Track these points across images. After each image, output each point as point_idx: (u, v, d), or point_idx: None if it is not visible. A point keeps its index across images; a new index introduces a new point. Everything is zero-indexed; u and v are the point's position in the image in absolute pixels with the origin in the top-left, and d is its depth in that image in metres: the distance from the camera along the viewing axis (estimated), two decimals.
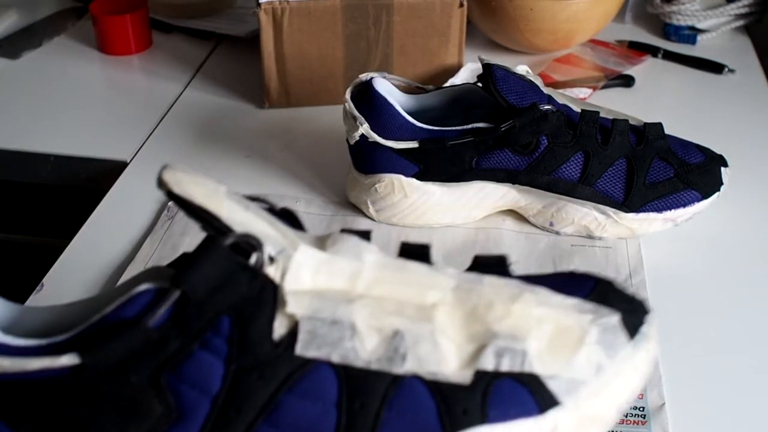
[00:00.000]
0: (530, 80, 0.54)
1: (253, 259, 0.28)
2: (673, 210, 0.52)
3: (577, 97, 0.71)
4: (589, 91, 0.73)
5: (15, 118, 0.70)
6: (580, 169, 0.52)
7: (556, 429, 0.30)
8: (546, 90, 0.55)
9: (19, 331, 0.31)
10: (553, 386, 0.30)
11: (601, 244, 0.54)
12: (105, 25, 0.79)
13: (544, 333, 0.31)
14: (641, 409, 0.42)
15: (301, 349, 0.28)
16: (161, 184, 0.29)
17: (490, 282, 0.32)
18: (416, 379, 0.29)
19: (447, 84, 0.67)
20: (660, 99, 0.73)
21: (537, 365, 0.30)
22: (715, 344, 0.46)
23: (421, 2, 0.67)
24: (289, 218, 0.33)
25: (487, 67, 0.54)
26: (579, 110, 0.54)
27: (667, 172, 0.53)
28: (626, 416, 0.41)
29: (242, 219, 0.29)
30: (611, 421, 0.31)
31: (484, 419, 0.29)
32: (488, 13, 0.77)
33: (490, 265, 0.34)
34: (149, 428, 0.27)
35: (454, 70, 0.71)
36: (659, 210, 0.52)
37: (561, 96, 0.56)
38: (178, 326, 0.27)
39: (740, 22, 0.83)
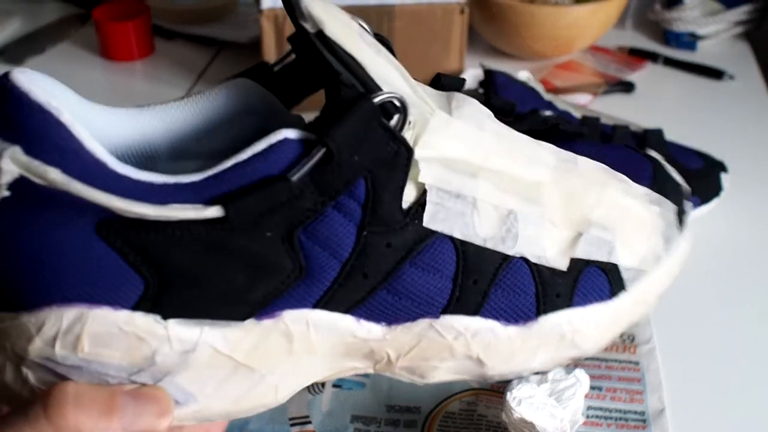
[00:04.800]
0: (531, 87, 0.54)
1: (394, 120, 0.27)
2: None
3: (578, 103, 0.71)
4: (590, 97, 0.73)
5: None
6: None
7: (618, 311, 0.33)
8: (547, 96, 0.56)
9: (117, 140, 0.28)
10: (625, 275, 0.33)
11: None
12: (108, 31, 0.80)
13: (629, 225, 0.33)
14: (641, 413, 0.42)
15: (428, 220, 0.28)
16: (309, 18, 0.26)
17: (583, 163, 0.33)
18: (523, 260, 0.30)
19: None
20: (660, 105, 0.73)
21: (619, 256, 0.32)
22: (715, 349, 0.46)
23: (423, 8, 0.67)
24: (384, 45, 0.31)
25: (488, 73, 0.54)
26: (580, 116, 0.54)
27: None
28: (626, 420, 0.41)
29: (380, 71, 0.27)
30: (653, 306, 0.35)
31: (569, 303, 0.31)
32: (490, 20, 0.77)
33: (570, 134, 0.37)
34: (278, 282, 0.26)
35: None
36: None
37: (562, 102, 0.56)
38: (315, 183, 0.26)
39: (740, 29, 0.84)
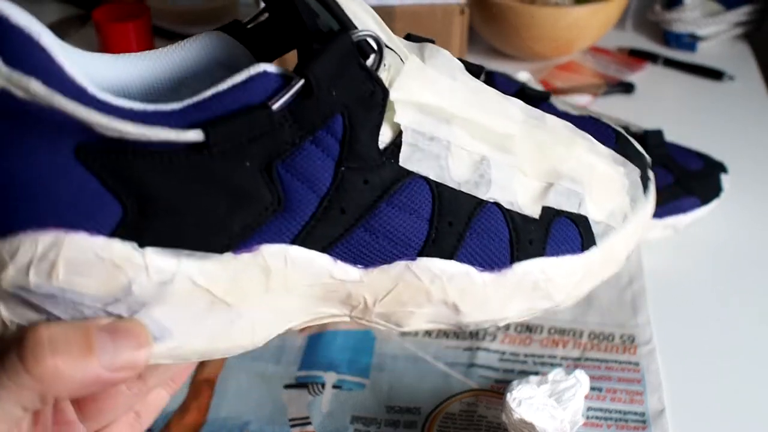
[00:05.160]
0: (531, 87, 0.54)
1: (370, 60, 0.27)
2: (673, 216, 0.53)
3: (578, 104, 0.71)
4: (590, 97, 0.73)
5: None
6: None
7: (590, 265, 0.33)
8: None
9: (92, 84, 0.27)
10: (595, 229, 0.33)
11: None
12: (108, 32, 0.80)
13: (596, 180, 0.33)
14: (641, 414, 0.42)
15: (404, 160, 0.28)
16: None
17: (551, 121, 0.34)
18: (496, 205, 0.31)
19: None
20: (660, 106, 0.73)
21: (588, 209, 0.33)
22: (715, 350, 0.46)
23: (423, 9, 0.67)
24: None
25: (488, 74, 0.54)
26: None
27: (667, 178, 0.53)
28: (626, 421, 0.41)
29: (357, 13, 0.28)
30: (620, 265, 0.35)
31: (542, 252, 0.32)
32: (490, 21, 0.77)
33: (536, 98, 0.36)
34: (256, 214, 0.26)
35: None
36: (660, 216, 0.53)
37: (562, 103, 0.56)
38: (294, 117, 0.26)
39: (740, 30, 0.84)
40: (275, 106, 0.25)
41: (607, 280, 0.51)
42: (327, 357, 0.46)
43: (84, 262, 0.24)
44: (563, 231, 0.33)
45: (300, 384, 0.44)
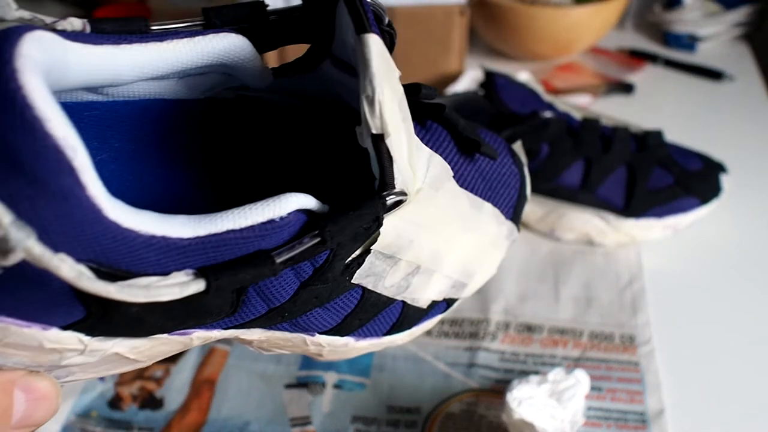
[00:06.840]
0: (531, 88, 0.55)
1: (385, 209, 0.27)
2: (673, 216, 0.53)
3: (578, 105, 0.71)
4: (590, 98, 0.73)
5: None
6: (581, 175, 0.53)
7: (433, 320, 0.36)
8: (547, 97, 0.56)
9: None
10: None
11: (601, 250, 0.54)
12: None
13: (485, 265, 0.35)
14: (641, 414, 0.42)
15: (357, 278, 0.29)
16: None
17: (485, 212, 0.34)
18: (402, 302, 0.32)
19: (449, 92, 0.68)
20: (660, 106, 0.73)
21: (473, 289, 0.36)
22: (714, 350, 0.46)
23: (423, 10, 0.68)
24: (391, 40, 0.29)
25: (489, 74, 0.54)
26: (580, 117, 0.55)
27: (667, 179, 0.53)
28: (626, 421, 0.41)
29: (404, 151, 0.26)
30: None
31: (408, 328, 0.34)
32: (490, 21, 0.77)
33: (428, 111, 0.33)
34: (211, 320, 0.27)
35: (455, 78, 0.72)
36: (659, 216, 0.53)
37: (562, 103, 0.56)
38: (292, 260, 0.25)
39: (739, 30, 0.84)
40: (279, 260, 0.24)
41: (607, 280, 0.51)
42: None
43: (25, 345, 0.24)
44: (438, 309, 0.34)
45: (300, 384, 0.44)
